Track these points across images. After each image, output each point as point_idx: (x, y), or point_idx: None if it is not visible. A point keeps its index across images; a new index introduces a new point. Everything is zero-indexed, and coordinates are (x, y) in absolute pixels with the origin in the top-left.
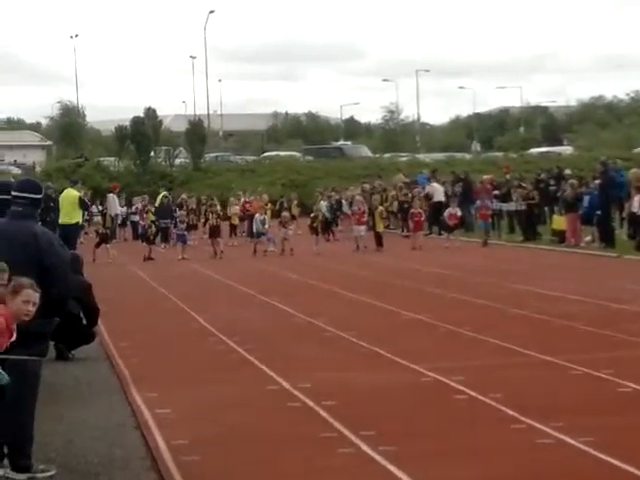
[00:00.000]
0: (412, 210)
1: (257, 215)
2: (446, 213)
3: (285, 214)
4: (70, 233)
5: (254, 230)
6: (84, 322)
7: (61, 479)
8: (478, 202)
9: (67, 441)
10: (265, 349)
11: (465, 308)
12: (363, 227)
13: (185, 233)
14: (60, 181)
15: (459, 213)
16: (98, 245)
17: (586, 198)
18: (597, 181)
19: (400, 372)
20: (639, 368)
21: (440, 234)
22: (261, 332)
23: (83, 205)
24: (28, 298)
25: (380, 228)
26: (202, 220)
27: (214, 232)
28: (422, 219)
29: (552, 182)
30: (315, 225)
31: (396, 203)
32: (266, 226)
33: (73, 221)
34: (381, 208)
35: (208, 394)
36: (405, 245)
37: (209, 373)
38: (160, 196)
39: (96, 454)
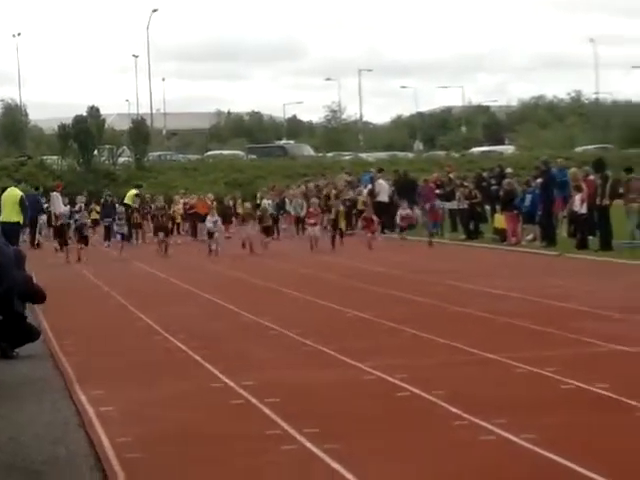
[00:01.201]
0: (365, 215)
1: (209, 217)
2: (398, 214)
3: (247, 205)
4: (11, 232)
5: (206, 231)
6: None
7: (4, 477)
8: (433, 203)
9: (10, 439)
10: (210, 347)
11: (408, 306)
12: (318, 227)
13: (124, 231)
14: (3, 180)
15: (411, 214)
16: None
17: (528, 197)
18: (538, 180)
19: (344, 370)
20: (582, 365)
21: (383, 232)
22: (206, 330)
23: (23, 205)
24: None
25: (342, 226)
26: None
27: (161, 229)
28: (374, 221)
29: (493, 181)
30: (264, 225)
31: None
32: (217, 228)
33: (14, 219)
34: (342, 207)
35: (152, 392)
36: (350, 244)
37: (153, 371)
38: (130, 193)
39: (40, 452)
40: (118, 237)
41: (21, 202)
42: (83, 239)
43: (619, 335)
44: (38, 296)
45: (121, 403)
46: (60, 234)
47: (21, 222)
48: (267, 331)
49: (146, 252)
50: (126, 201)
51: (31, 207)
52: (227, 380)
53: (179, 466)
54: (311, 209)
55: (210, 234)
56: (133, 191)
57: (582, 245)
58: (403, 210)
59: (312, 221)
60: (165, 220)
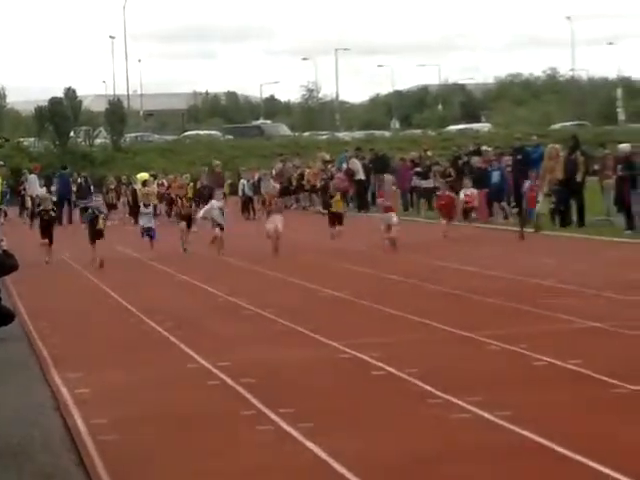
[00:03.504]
0: (439, 193)
1: (214, 202)
2: (462, 195)
3: (275, 186)
4: None
5: (210, 217)
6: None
7: None
8: (527, 184)
9: None
10: (185, 328)
11: (383, 285)
12: (394, 214)
13: (152, 225)
14: None
15: (475, 194)
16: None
17: (495, 174)
18: (506, 157)
19: (318, 349)
20: (554, 342)
21: (360, 211)
22: (181, 311)
23: None
24: None
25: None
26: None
27: (184, 217)
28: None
29: (466, 158)
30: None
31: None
32: (224, 216)
33: None
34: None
35: (128, 374)
36: (323, 222)
37: (129, 353)
38: (139, 176)
39: (15, 435)
40: (145, 234)
41: None
42: (98, 233)
43: (592, 312)
44: (9, 268)
45: (96, 385)
46: (46, 227)
47: None
48: (242, 311)
49: (123, 234)
50: (138, 186)
51: (64, 187)
52: (203, 361)
53: (154, 447)
54: (385, 189)
55: (217, 224)
56: (145, 175)
57: (563, 222)
58: (467, 189)
59: (388, 204)
60: (188, 206)
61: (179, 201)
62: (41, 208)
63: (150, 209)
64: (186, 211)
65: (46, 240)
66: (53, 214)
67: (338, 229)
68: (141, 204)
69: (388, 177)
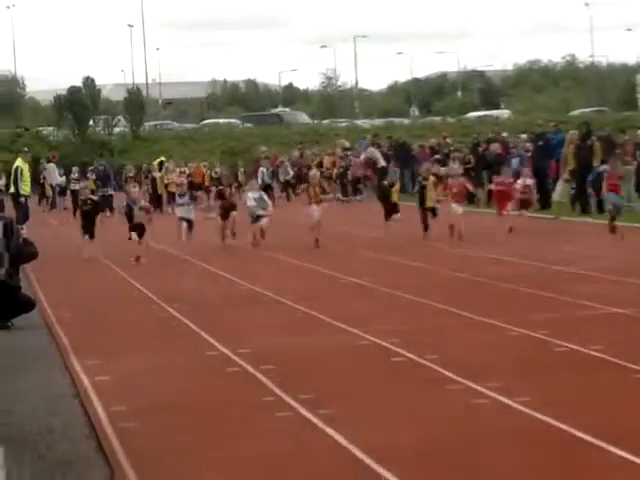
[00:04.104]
0: (496, 179)
1: (250, 194)
2: (518, 186)
3: (315, 174)
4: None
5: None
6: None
7: None
8: (606, 167)
9: (5, 411)
10: (205, 315)
11: (404, 272)
12: (459, 206)
13: (191, 217)
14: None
15: (532, 186)
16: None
17: (514, 161)
18: (528, 144)
19: (338, 335)
20: (576, 328)
21: None
22: (201, 299)
23: (15, 175)
24: None
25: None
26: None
27: (231, 208)
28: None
29: (486, 146)
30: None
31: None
32: (269, 208)
33: (11, 190)
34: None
35: (148, 361)
36: (343, 209)
37: (149, 340)
38: (156, 162)
39: (35, 423)
40: (184, 225)
41: (14, 173)
42: (138, 228)
43: (612, 297)
44: (29, 256)
45: (116, 372)
46: (88, 218)
47: (20, 192)
48: (261, 298)
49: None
50: (157, 174)
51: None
52: (222, 348)
53: (174, 434)
54: (450, 181)
55: (256, 217)
56: (160, 159)
57: (584, 208)
58: (525, 180)
59: (453, 196)
60: (232, 197)
61: (226, 191)
62: (81, 198)
63: (186, 199)
64: (233, 202)
65: (86, 236)
66: (93, 203)
67: (396, 217)
68: (176, 194)
69: (454, 166)
